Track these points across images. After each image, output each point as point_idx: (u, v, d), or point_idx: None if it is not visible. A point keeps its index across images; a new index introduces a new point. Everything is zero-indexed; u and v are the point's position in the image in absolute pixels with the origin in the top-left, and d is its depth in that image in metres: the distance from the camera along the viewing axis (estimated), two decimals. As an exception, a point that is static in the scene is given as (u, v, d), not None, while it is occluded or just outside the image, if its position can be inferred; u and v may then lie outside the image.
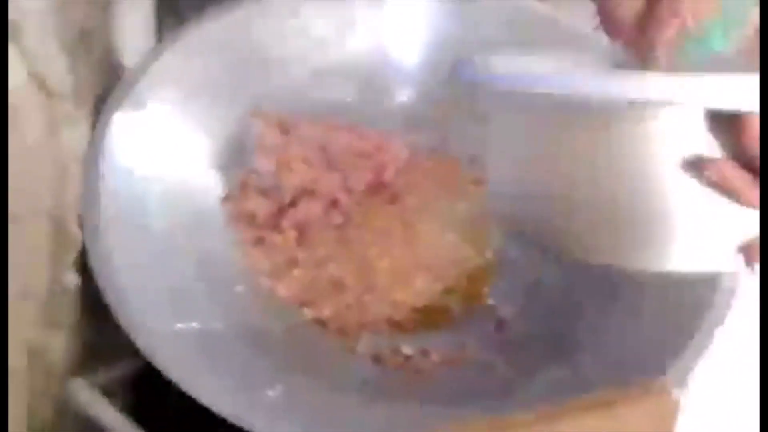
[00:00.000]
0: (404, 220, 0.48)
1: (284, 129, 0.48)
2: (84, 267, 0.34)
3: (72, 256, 0.34)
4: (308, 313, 0.43)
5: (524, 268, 0.45)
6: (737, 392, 0.40)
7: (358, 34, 0.50)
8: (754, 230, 0.27)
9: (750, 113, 0.25)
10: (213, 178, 0.45)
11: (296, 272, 0.44)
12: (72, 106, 0.35)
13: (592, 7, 0.60)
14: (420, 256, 0.46)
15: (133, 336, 0.32)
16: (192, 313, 0.37)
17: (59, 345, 0.32)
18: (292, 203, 0.46)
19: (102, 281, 0.34)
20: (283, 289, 0.44)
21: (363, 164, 0.48)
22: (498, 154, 0.30)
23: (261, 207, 0.45)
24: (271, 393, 0.34)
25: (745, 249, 0.27)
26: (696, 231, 0.27)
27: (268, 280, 0.44)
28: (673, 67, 0.32)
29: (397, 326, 0.44)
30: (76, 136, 0.36)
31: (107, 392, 0.33)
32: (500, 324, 0.43)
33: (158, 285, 0.36)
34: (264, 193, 0.46)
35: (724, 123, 0.26)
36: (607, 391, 0.29)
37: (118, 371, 0.34)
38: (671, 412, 0.28)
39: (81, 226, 0.35)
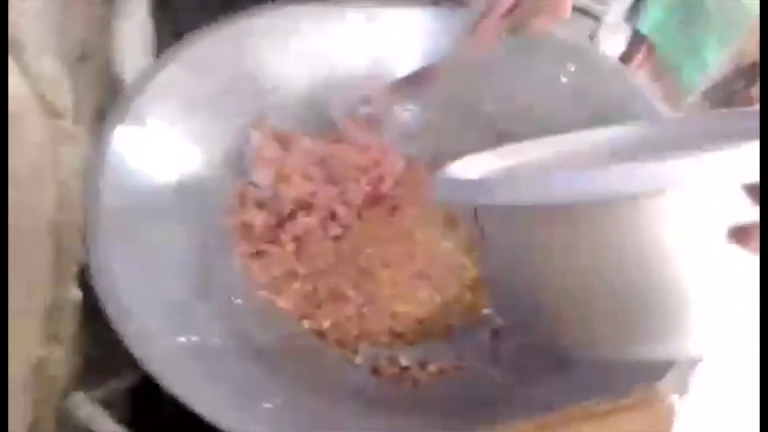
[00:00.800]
0: (403, 231, 0.48)
1: (283, 142, 0.48)
2: (84, 281, 0.34)
3: (73, 270, 0.34)
4: (307, 324, 0.43)
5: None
6: (735, 397, 0.41)
7: (354, 48, 0.50)
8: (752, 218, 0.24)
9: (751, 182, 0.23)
10: (211, 190, 0.45)
11: (296, 285, 0.45)
12: (71, 122, 0.35)
13: (582, 19, 0.61)
14: (420, 266, 0.47)
15: (133, 349, 0.33)
16: (192, 326, 0.37)
17: (60, 359, 0.32)
18: (291, 216, 0.46)
19: (103, 295, 0.34)
20: (282, 302, 0.44)
21: (361, 177, 0.48)
22: (491, 241, 0.29)
23: (259, 219, 0.45)
24: (268, 405, 0.34)
25: (738, 233, 0.25)
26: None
27: (267, 293, 0.44)
28: (672, 96, 0.32)
29: (397, 337, 0.44)
30: (75, 151, 0.36)
31: (108, 405, 0.33)
32: (497, 334, 0.44)
33: (159, 299, 0.37)
34: (262, 205, 0.46)
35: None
36: (604, 400, 0.30)
37: (118, 384, 0.34)
38: (667, 418, 0.28)
39: (82, 240, 0.35)
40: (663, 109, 0.49)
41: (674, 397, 0.33)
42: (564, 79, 0.49)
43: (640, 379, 0.32)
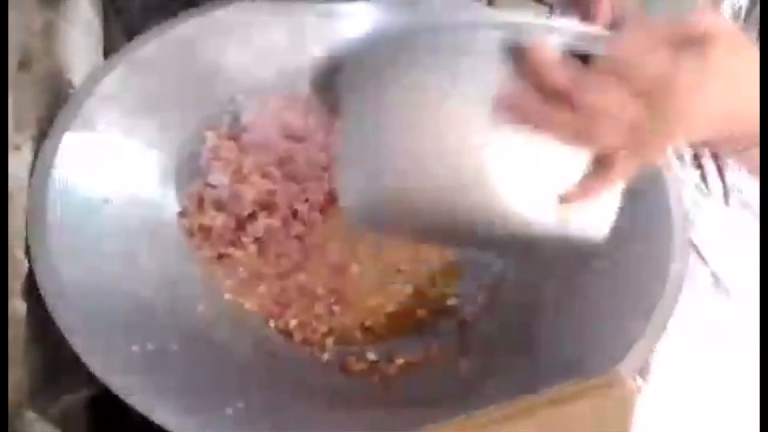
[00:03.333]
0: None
1: (238, 142, 0.47)
2: (30, 294, 0.33)
3: (19, 283, 0.33)
4: (273, 325, 0.43)
5: (483, 268, 0.45)
6: (698, 379, 0.41)
7: (309, 45, 0.49)
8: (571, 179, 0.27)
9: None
10: (167, 194, 0.44)
11: (262, 287, 0.44)
12: (12, 130, 0.34)
13: (535, 7, 0.60)
14: (388, 259, 0.46)
15: (87, 362, 0.32)
16: (149, 334, 0.36)
17: (10, 377, 0.31)
18: (251, 217, 0.45)
19: (53, 308, 0.33)
20: (249, 304, 0.43)
21: (322, 175, 0.48)
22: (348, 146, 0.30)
23: (218, 221, 0.44)
24: (229, 411, 0.33)
25: (563, 198, 0.27)
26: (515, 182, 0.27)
27: (232, 296, 0.43)
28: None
29: (368, 332, 0.43)
30: (18, 161, 0.35)
31: (64, 421, 0.32)
32: (463, 324, 0.43)
33: (112, 308, 0.36)
34: (221, 207, 0.45)
35: (516, 56, 0.26)
36: (567, 385, 0.30)
37: (74, 399, 0.33)
38: (628, 401, 0.29)
39: (27, 252, 0.34)
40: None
41: (637, 380, 0.33)
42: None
43: (601, 363, 0.32)
